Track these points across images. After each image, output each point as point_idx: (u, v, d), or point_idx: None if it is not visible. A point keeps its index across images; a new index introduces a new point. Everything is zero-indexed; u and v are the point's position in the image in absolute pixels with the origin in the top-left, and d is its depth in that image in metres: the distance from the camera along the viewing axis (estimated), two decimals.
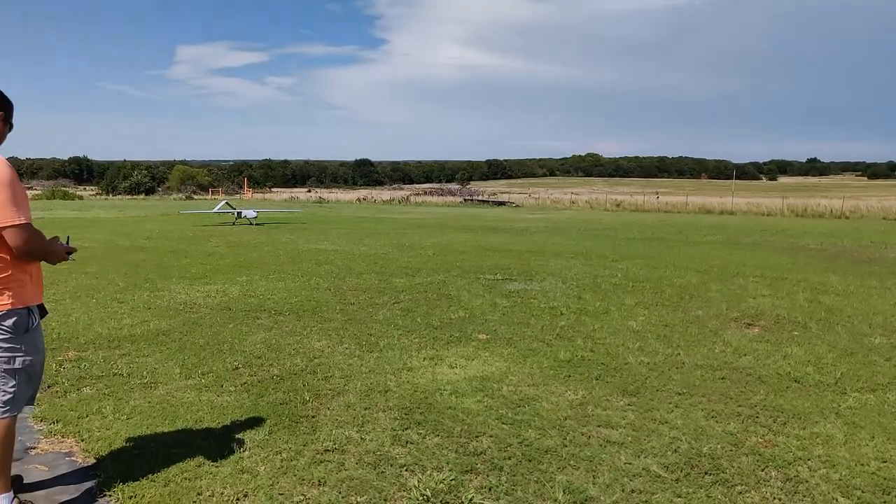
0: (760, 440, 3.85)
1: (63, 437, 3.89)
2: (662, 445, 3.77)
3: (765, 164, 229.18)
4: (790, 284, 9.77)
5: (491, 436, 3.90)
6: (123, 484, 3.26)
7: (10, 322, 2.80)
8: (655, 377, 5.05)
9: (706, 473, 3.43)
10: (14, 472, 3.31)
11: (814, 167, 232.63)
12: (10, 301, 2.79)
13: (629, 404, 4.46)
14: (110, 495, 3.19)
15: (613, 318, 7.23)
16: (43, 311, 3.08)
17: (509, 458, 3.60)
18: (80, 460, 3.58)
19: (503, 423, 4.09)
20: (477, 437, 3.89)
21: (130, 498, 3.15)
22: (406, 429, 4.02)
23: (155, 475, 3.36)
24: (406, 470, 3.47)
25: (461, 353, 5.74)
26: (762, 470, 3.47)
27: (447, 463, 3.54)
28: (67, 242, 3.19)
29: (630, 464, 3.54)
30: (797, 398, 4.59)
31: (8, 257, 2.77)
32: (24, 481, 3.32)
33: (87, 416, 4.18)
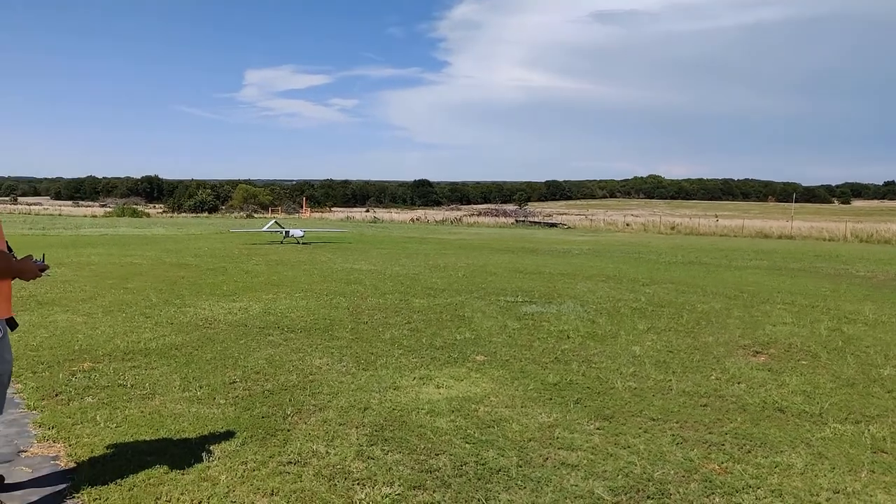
0: (716, 467, 3.84)
1: (54, 442, 4.18)
2: (615, 469, 3.81)
3: (837, 186, 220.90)
4: (818, 312, 9.51)
5: (451, 454, 4.01)
6: (92, 487, 3.51)
7: None
8: (636, 402, 5.06)
9: (649, 497, 3.46)
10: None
11: (891, 190, 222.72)
12: None
13: (598, 428, 4.49)
14: (77, 497, 3.44)
15: (619, 343, 7.22)
16: (12, 324, 3.35)
17: (460, 477, 3.71)
18: (62, 464, 3.85)
19: (466, 443, 4.20)
20: (437, 455, 4.01)
21: (95, 500, 3.39)
22: (372, 445, 4.16)
23: (123, 480, 3.59)
24: (358, 484, 3.61)
25: (452, 373, 5.85)
26: (707, 496, 3.48)
27: (399, 478, 3.67)
28: (42, 260, 3.47)
29: (576, 486, 3.59)
30: (772, 427, 4.54)
31: None
32: (6, 481, 3.60)
33: (80, 423, 4.48)
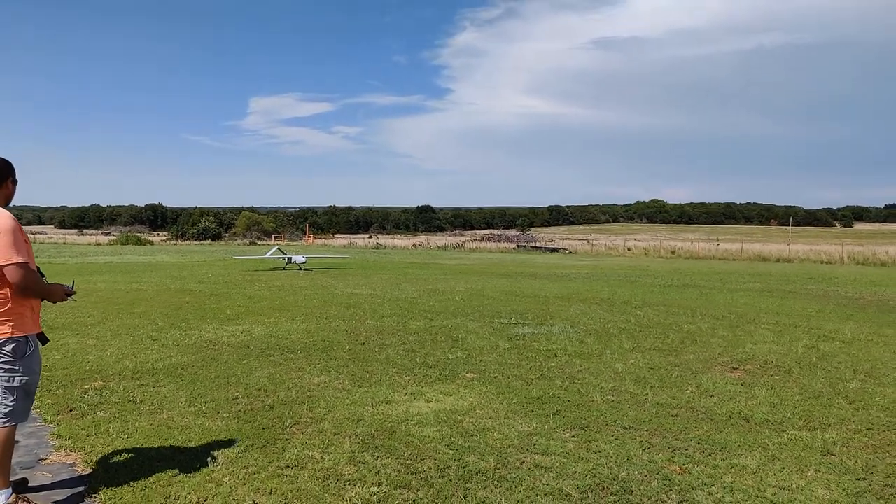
0: (677, 468, 4.20)
1: (71, 451, 4.56)
2: (584, 470, 4.17)
3: (839, 210, 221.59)
4: (799, 331, 9.86)
5: (435, 459, 4.37)
6: (108, 489, 3.88)
7: (9, 348, 3.48)
8: (611, 413, 5.42)
9: (612, 494, 3.82)
10: (22, 476, 4.00)
11: (893, 213, 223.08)
12: (11, 330, 3.48)
13: (573, 436, 4.85)
14: (96, 497, 3.81)
15: (603, 361, 7.57)
16: (43, 339, 3.76)
17: (442, 478, 4.07)
18: (79, 470, 4.23)
19: (450, 449, 4.56)
20: (422, 459, 4.37)
21: (111, 499, 3.76)
22: (363, 451, 4.53)
23: (135, 482, 3.97)
24: (349, 484, 3.98)
25: (442, 389, 6.22)
26: (665, 493, 3.83)
27: (387, 479, 4.03)
28: (72, 286, 3.90)
29: (548, 485, 3.95)
30: (734, 434, 4.90)
31: (9, 293, 3.47)
32: (29, 484, 3.98)
33: (94, 434, 4.85)
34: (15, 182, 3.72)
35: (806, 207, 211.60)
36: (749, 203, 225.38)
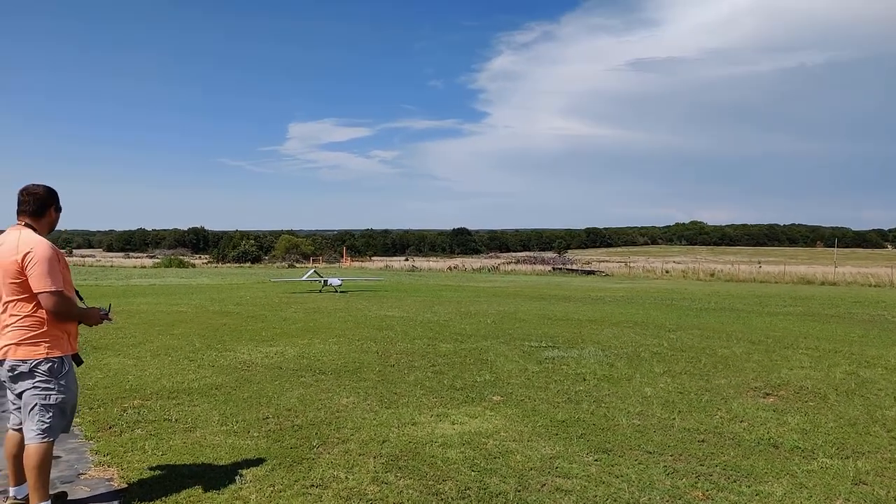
0: (700, 494, 4.18)
1: (108, 466, 4.73)
2: (605, 494, 4.17)
3: (890, 231, 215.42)
4: (839, 357, 9.65)
5: (457, 480, 4.43)
6: (141, 502, 4.03)
7: (45, 367, 3.67)
8: (636, 438, 5.40)
9: None
10: (62, 490, 4.18)
11: None
12: (46, 351, 3.68)
13: (596, 459, 4.86)
14: None
15: (632, 385, 7.53)
16: (78, 360, 3.94)
17: (463, 499, 4.12)
18: (115, 484, 4.39)
19: (472, 471, 4.61)
20: (444, 480, 4.43)
21: None
22: (387, 472, 4.61)
23: (167, 498, 4.11)
24: (370, 503, 4.06)
25: (468, 411, 6.27)
26: None
27: (408, 500, 4.10)
28: (108, 310, 4.09)
29: None
30: (762, 461, 4.84)
31: (45, 317, 3.67)
32: (69, 497, 4.15)
33: (131, 451, 5.03)
34: (58, 210, 3.94)
35: (854, 228, 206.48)
36: (793, 224, 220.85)
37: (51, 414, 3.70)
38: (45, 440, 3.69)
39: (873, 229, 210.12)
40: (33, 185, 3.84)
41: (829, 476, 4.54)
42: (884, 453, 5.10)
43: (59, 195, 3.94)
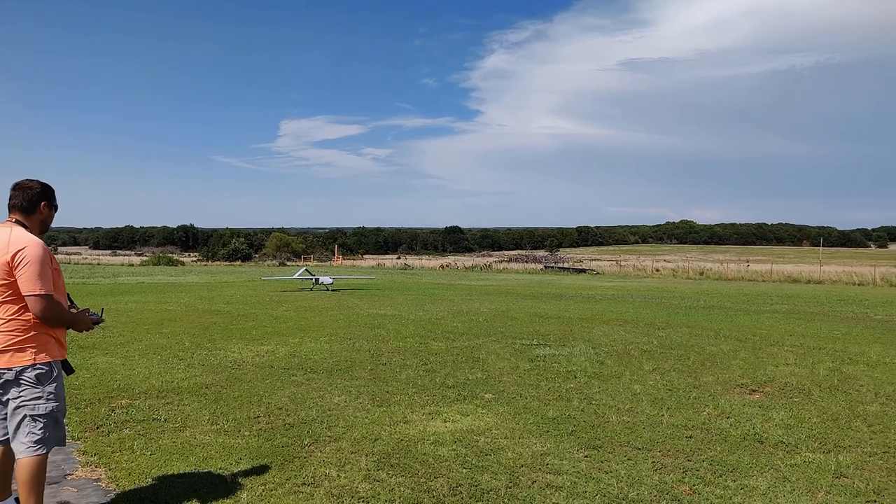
0: (687, 489, 4.23)
1: (96, 467, 4.73)
2: (596, 490, 4.22)
3: (874, 230, 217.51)
4: (823, 354, 9.76)
5: (448, 477, 4.46)
6: (130, 503, 4.04)
7: (32, 374, 3.45)
8: (626, 434, 5.46)
9: None
10: (51, 492, 4.15)
11: None
12: (33, 357, 3.47)
13: (586, 456, 4.91)
14: None
15: (622, 382, 7.59)
16: (67, 367, 3.75)
17: (454, 496, 4.15)
18: (103, 485, 4.38)
19: (464, 468, 4.64)
20: (436, 477, 4.46)
21: None
22: (379, 469, 4.63)
23: (156, 497, 4.12)
24: (362, 501, 4.08)
25: (460, 409, 6.30)
26: None
27: (400, 497, 4.13)
28: (101, 314, 4.02)
29: (557, 503, 4.02)
30: (747, 455, 4.91)
31: (32, 320, 3.48)
32: (56, 499, 4.14)
33: (119, 451, 5.02)
34: (52, 208, 3.70)
35: (840, 228, 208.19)
36: (781, 224, 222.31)
37: (41, 424, 3.48)
38: (38, 453, 3.48)
39: (857, 229, 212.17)
40: (27, 179, 3.62)
41: (811, 470, 4.61)
42: (864, 447, 5.19)
43: (54, 192, 3.73)
